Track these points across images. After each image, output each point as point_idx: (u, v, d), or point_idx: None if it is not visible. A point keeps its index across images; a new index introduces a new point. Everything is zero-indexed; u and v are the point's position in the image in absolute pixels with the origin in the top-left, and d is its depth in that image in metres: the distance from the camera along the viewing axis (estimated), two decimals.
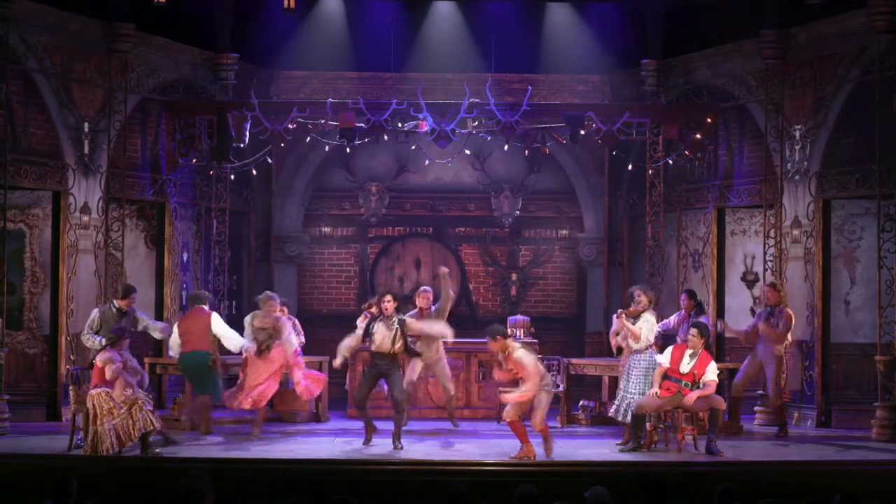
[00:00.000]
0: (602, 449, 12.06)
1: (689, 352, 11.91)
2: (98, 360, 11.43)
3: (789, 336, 13.41)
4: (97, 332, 12.31)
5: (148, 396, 11.55)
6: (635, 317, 12.45)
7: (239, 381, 13.07)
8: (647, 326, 12.38)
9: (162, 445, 11.61)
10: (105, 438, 11.12)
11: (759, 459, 11.45)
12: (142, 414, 11.20)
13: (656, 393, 11.88)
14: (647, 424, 11.99)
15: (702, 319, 12.91)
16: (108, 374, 11.28)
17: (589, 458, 11.47)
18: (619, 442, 12.22)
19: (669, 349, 12.12)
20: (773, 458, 11.52)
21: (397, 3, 16.30)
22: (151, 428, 11.28)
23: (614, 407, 12.54)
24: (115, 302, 12.59)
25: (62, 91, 13.98)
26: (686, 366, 11.87)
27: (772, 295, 13.40)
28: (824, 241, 14.15)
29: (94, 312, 12.61)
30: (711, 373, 11.88)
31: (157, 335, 13.17)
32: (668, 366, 11.91)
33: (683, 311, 13.51)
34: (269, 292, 13.45)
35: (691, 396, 11.77)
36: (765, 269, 14.81)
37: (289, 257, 17.82)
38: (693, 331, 12.01)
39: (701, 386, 11.81)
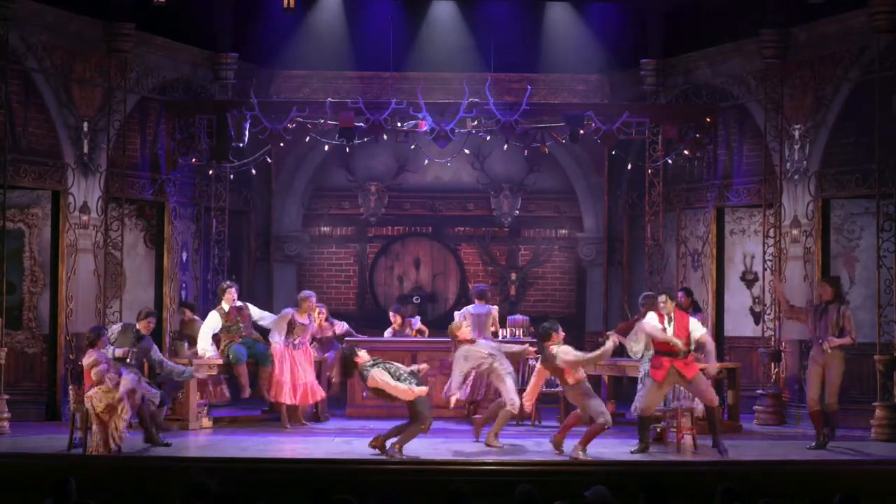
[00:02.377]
0: (601, 449, 12.02)
1: (665, 319, 11.78)
2: (84, 363, 11.42)
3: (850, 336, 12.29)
4: (112, 343, 12.32)
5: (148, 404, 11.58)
6: None
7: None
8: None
9: (161, 445, 11.63)
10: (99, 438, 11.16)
11: (759, 459, 11.43)
12: (110, 430, 11.16)
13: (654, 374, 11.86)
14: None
15: (696, 317, 12.96)
16: (93, 377, 11.28)
17: (589, 457, 11.46)
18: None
19: (654, 315, 11.91)
20: (773, 458, 11.51)
21: (397, 3, 16.29)
22: (117, 445, 11.16)
23: (633, 406, 12.55)
24: (135, 324, 12.56)
25: (62, 91, 13.98)
26: (669, 330, 11.73)
27: (825, 291, 12.33)
28: (824, 240, 14.16)
29: (117, 326, 12.60)
30: (697, 329, 11.78)
31: (179, 378, 12.96)
32: (659, 325, 11.75)
33: None
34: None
35: (711, 370, 11.72)
36: (764, 269, 14.80)
37: (288, 257, 17.82)
38: (661, 297, 11.86)
39: (693, 346, 11.67)
